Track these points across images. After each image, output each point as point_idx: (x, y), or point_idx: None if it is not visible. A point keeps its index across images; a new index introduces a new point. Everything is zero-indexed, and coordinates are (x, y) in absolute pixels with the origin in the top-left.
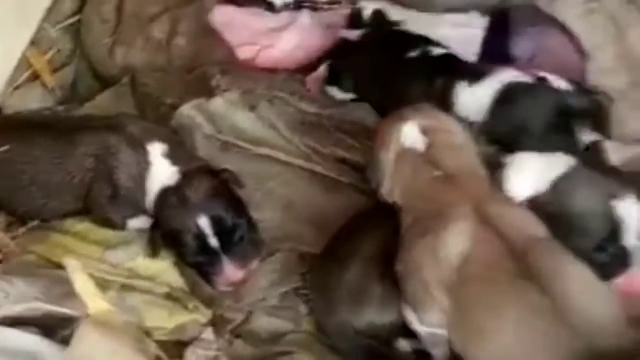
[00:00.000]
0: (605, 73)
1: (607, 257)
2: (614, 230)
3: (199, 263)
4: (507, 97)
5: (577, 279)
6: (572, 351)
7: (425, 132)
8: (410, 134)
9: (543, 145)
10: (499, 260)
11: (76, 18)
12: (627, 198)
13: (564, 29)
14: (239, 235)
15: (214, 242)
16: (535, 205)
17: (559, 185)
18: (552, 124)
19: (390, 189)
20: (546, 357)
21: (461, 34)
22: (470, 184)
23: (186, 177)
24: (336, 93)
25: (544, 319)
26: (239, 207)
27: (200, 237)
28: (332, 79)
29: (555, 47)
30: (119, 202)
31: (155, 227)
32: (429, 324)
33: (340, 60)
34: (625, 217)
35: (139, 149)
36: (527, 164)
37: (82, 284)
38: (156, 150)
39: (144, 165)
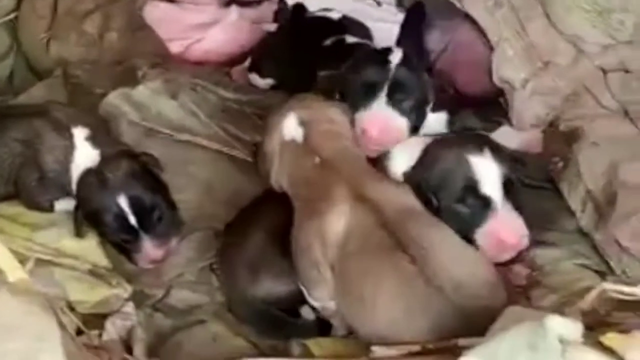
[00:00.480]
0: (508, 63)
1: (468, 208)
2: (471, 183)
3: (120, 241)
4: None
5: (443, 244)
6: (445, 313)
7: (303, 123)
8: (289, 126)
9: None
10: (374, 234)
11: (13, 15)
12: (482, 155)
13: (473, 23)
14: (157, 214)
15: (133, 220)
16: (407, 178)
17: (422, 157)
18: None
19: (277, 178)
20: (421, 320)
21: (377, 27)
22: (346, 166)
23: (106, 159)
24: (257, 80)
25: (416, 284)
26: (157, 187)
27: (120, 215)
28: (252, 66)
29: (465, 40)
30: (46, 185)
31: (78, 207)
32: (319, 299)
33: (260, 49)
34: (480, 171)
35: (64, 132)
36: (407, 143)
37: (1, 255)
38: (80, 134)
39: (69, 148)
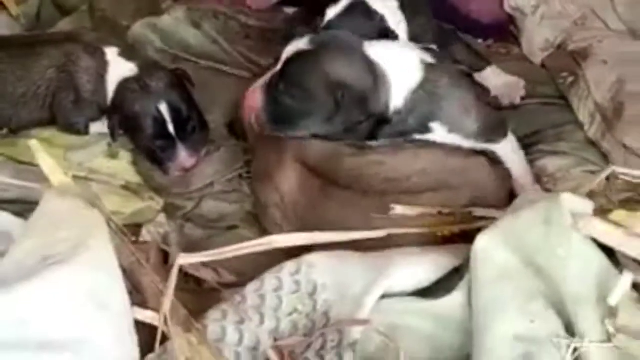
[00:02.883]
0: None
1: None
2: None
3: (155, 148)
4: None
5: None
6: None
7: None
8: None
9: None
10: (312, 185)
11: None
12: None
13: None
14: (192, 125)
15: (171, 127)
16: None
17: None
18: None
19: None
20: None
21: None
22: None
23: (144, 69)
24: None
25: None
26: (192, 101)
27: (159, 120)
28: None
29: None
30: (82, 106)
31: (113, 114)
32: None
33: None
34: None
35: (96, 52)
36: None
37: (44, 160)
38: (112, 52)
39: (102, 65)
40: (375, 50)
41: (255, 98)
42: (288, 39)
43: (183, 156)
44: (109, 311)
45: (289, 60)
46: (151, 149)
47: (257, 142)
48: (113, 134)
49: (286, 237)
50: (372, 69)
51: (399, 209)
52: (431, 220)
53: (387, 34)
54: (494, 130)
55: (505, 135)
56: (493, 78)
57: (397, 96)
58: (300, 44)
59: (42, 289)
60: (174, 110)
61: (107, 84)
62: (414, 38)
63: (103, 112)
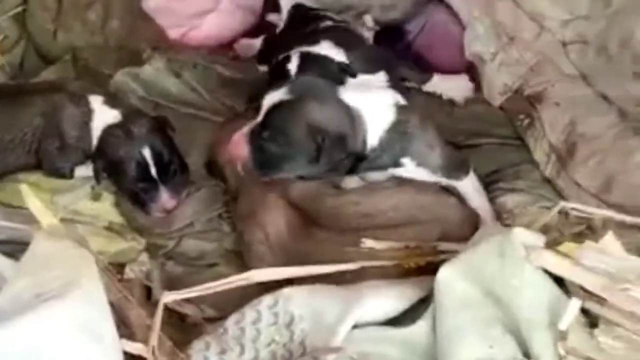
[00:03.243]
0: (478, 40)
1: None
2: None
3: (138, 190)
4: None
5: None
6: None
7: None
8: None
9: None
10: (296, 224)
11: (21, 8)
12: None
13: (446, 5)
14: (173, 168)
15: (153, 170)
16: None
17: None
18: None
19: (230, 182)
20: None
21: None
22: None
23: (127, 116)
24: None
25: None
26: (173, 145)
27: (142, 164)
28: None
29: (439, 21)
30: (67, 152)
31: (97, 160)
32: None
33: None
34: None
35: (81, 100)
36: None
37: (34, 204)
38: (97, 100)
39: (87, 113)
40: (350, 94)
41: (240, 147)
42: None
43: (165, 198)
44: (101, 343)
45: (270, 110)
46: (134, 191)
47: (241, 182)
48: (97, 178)
49: (264, 271)
50: (348, 113)
51: (368, 242)
52: (399, 254)
53: (344, 71)
54: (456, 167)
55: (467, 172)
56: (441, 83)
57: (373, 136)
58: (279, 94)
59: (38, 323)
60: (156, 155)
61: (91, 131)
62: (360, 69)
63: (87, 157)
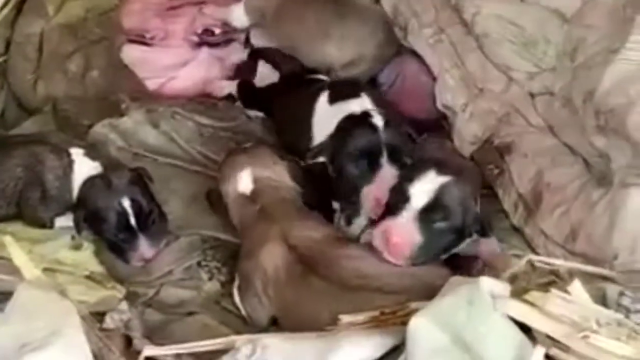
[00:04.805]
0: (449, 91)
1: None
2: None
3: (117, 240)
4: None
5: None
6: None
7: (255, 179)
8: (244, 181)
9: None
10: (294, 270)
11: (2, 59)
12: None
13: (418, 57)
14: (152, 218)
15: (133, 221)
16: None
17: None
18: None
19: (231, 216)
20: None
21: None
22: (280, 213)
23: (108, 168)
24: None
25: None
26: (151, 196)
27: (122, 215)
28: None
29: (411, 73)
30: (47, 202)
31: (78, 209)
32: (256, 320)
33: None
34: None
35: (62, 152)
36: None
37: (17, 255)
38: (77, 152)
39: (68, 165)
40: None
41: (408, 233)
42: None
43: (144, 247)
44: None
45: (440, 192)
46: (114, 241)
47: (245, 223)
48: (78, 228)
49: (246, 337)
50: None
51: (345, 319)
52: (376, 318)
53: None
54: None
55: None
56: None
57: None
58: (440, 179)
59: None
60: (135, 205)
61: (72, 182)
62: None
63: (68, 208)
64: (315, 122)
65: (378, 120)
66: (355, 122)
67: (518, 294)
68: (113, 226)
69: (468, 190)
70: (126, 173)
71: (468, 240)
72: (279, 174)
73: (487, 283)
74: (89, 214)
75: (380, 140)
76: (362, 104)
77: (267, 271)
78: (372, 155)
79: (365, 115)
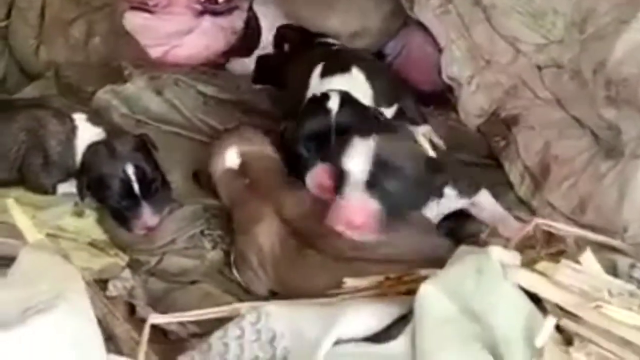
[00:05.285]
0: (455, 63)
1: None
2: None
3: (120, 207)
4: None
5: None
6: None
7: (241, 154)
8: (231, 157)
9: None
10: (289, 243)
11: (3, 23)
12: None
13: (424, 28)
14: (155, 185)
15: (136, 188)
16: None
17: None
18: None
19: (220, 194)
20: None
21: None
22: (268, 186)
23: (111, 133)
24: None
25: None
26: (155, 163)
27: (125, 181)
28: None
29: (417, 44)
30: (50, 168)
31: (81, 175)
32: (254, 291)
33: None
34: None
35: (65, 118)
36: None
37: (20, 218)
38: (80, 117)
39: (71, 130)
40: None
41: (362, 205)
42: None
43: (147, 215)
44: (89, 357)
45: (377, 154)
46: (117, 208)
47: (235, 196)
48: (81, 194)
49: (249, 304)
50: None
51: (349, 282)
52: (381, 284)
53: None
54: (472, 184)
55: (480, 186)
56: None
57: None
58: (374, 141)
59: (27, 336)
60: (139, 172)
61: (75, 147)
62: (377, 102)
63: (70, 174)
64: (307, 96)
65: (333, 103)
66: (311, 105)
67: (528, 263)
68: (116, 193)
69: (400, 139)
70: (130, 139)
71: (451, 195)
72: (263, 147)
73: (497, 252)
74: (92, 181)
75: (330, 125)
76: (349, 80)
77: (263, 248)
78: (320, 139)
79: (322, 98)
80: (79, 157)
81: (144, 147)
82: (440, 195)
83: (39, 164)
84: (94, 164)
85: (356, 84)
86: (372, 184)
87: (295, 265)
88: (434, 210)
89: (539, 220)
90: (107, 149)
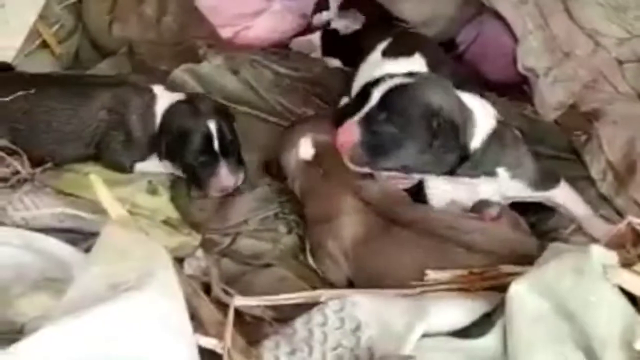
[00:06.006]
0: (532, 54)
1: None
2: None
3: (198, 165)
4: None
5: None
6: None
7: (316, 145)
8: (305, 147)
9: None
10: (374, 221)
11: None
12: None
13: (499, 17)
14: (234, 147)
15: (216, 144)
16: None
17: None
18: None
19: (292, 184)
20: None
21: None
22: (345, 176)
23: (192, 96)
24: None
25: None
26: (234, 129)
27: (207, 136)
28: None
29: (492, 33)
30: (130, 146)
31: (162, 133)
32: (333, 280)
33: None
34: None
35: (145, 91)
36: None
37: (104, 194)
38: (159, 87)
39: (151, 99)
40: (462, 94)
41: (351, 132)
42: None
43: (224, 174)
44: (178, 336)
45: (390, 92)
46: (194, 167)
47: (312, 183)
48: (160, 152)
49: (334, 291)
50: (462, 107)
51: (432, 275)
52: (464, 279)
53: None
54: (548, 177)
55: (558, 180)
56: None
57: (478, 137)
58: (397, 80)
59: (118, 313)
60: (220, 129)
61: (155, 113)
62: None
63: (150, 151)
64: (361, 68)
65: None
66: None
67: (625, 264)
68: (197, 148)
69: (434, 99)
70: (211, 101)
71: (505, 176)
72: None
73: (597, 251)
74: (173, 136)
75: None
76: (409, 64)
77: (345, 237)
78: None
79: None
80: (159, 119)
81: (225, 111)
82: (487, 173)
83: (120, 141)
84: (176, 120)
85: (416, 69)
86: (368, 119)
87: (380, 244)
88: (490, 191)
89: (632, 219)
90: (190, 106)
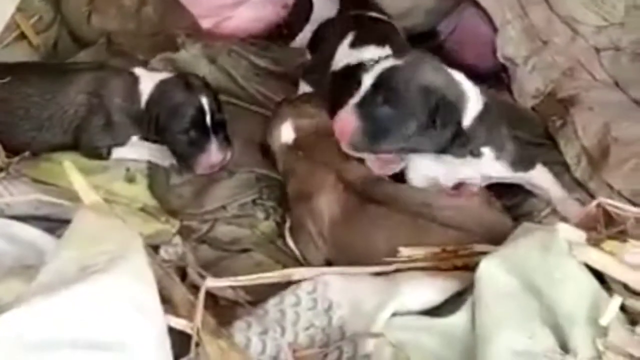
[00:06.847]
0: (511, 43)
1: None
2: None
3: (187, 141)
4: None
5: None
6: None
7: (296, 129)
8: (285, 132)
9: None
10: (351, 202)
11: None
12: None
13: (478, 7)
14: (223, 125)
15: (208, 119)
16: None
17: None
18: None
19: (278, 167)
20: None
21: None
22: (324, 156)
23: (180, 74)
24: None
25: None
26: (220, 107)
27: (199, 111)
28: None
29: (471, 23)
30: (110, 130)
31: (151, 108)
32: (311, 261)
33: None
34: None
35: (125, 73)
36: None
37: (78, 180)
38: (140, 69)
39: (133, 80)
40: (453, 72)
41: (348, 119)
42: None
43: (214, 150)
44: (148, 317)
45: (384, 74)
46: (182, 141)
47: (293, 162)
48: (149, 128)
49: (304, 270)
50: (456, 84)
51: (405, 251)
52: (437, 256)
53: None
54: (527, 159)
55: (534, 164)
56: None
57: (468, 116)
58: (391, 61)
59: (87, 294)
60: (211, 105)
61: (140, 91)
62: None
63: (134, 129)
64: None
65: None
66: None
67: (593, 243)
68: (188, 122)
69: (430, 77)
70: (200, 78)
71: (489, 156)
72: (319, 117)
73: (564, 229)
74: (164, 110)
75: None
76: (377, 54)
77: (323, 215)
78: None
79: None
80: (145, 97)
81: (214, 90)
82: (473, 152)
83: (99, 125)
84: (167, 95)
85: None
86: (365, 102)
87: (355, 220)
88: (470, 172)
89: (602, 200)
90: (181, 81)
